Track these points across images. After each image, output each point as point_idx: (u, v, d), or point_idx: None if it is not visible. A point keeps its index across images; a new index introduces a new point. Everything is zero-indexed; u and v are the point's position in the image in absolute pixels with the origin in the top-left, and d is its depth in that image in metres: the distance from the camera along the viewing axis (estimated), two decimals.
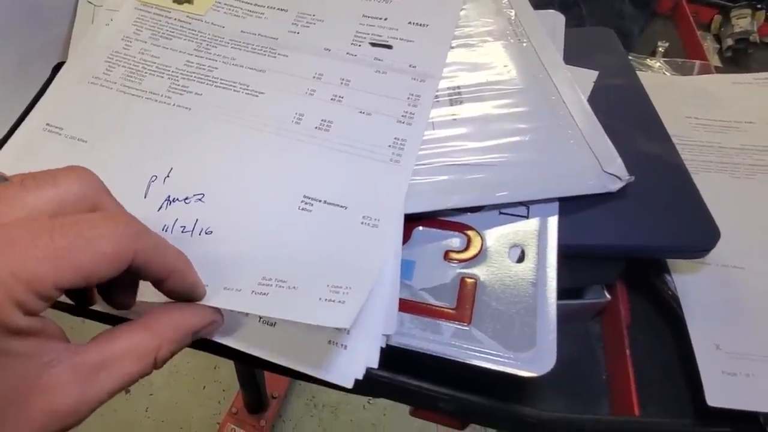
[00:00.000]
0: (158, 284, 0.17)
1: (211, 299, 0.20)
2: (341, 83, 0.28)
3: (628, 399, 0.25)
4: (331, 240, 0.23)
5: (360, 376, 0.20)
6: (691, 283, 0.27)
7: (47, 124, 0.27)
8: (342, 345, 0.20)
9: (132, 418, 0.92)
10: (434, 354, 0.22)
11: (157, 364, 0.16)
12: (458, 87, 0.29)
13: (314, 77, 0.29)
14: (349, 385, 0.20)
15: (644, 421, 0.25)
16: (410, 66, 0.29)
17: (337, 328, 0.21)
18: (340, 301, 0.19)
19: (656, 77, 0.40)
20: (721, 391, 0.24)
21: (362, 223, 0.23)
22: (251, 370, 0.78)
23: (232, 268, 0.22)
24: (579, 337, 0.29)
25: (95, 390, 0.15)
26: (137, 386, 0.96)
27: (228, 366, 0.95)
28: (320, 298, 0.19)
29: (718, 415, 0.23)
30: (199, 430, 0.91)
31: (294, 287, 0.20)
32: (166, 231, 0.23)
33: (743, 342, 0.25)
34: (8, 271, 0.13)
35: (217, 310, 0.19)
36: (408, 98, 0.28)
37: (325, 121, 0.27)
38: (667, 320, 0.28)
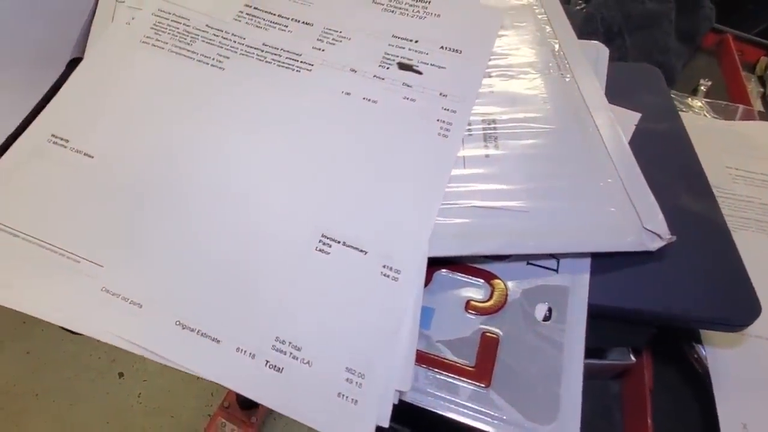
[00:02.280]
0: None
1: (223, 368, 0.19)
2: (367, 102, 0.27)
3: None
4: (349, 294, 0.21)
5: (370, 430, 0.19)
6: (723, 355, 0.25)
7: (52, 135, 0.26)
8: (352, 400, 0.19)
9: (124, 403, 0.92)
10: (449, 416, 0.21)
11: None
12: (494, 121, 0.27)
13: (342, 93, 0.27)
14: None
15: None
16: (441, 95, 0.27)
17: (347, 380, 0.19)
18: (353, 400, 0.19)
19: (697, 119, 0.38)
20: None
21: (382, 274, 0.22)
22: None
23: (248, 318, 0.20)
24: (596, 395, 0.28)
25: None
26: (131, 371, 0.96)
27: None
28: (335, 393, 0.19)
29: None
30: (190, 419, 0.91)
31: (309, 362, 0.20)
32: None
33: None
34: None
35: None
36: (438, 130, 0.26)
37: (348, 144, 0.25)
38: (693, 390, 0.26)
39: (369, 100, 0.27)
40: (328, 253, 0.22)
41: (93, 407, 0.91)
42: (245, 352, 0.19)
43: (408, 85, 0.28)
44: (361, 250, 0.22)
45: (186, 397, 0.93)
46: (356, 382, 0.19)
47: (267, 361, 0.19)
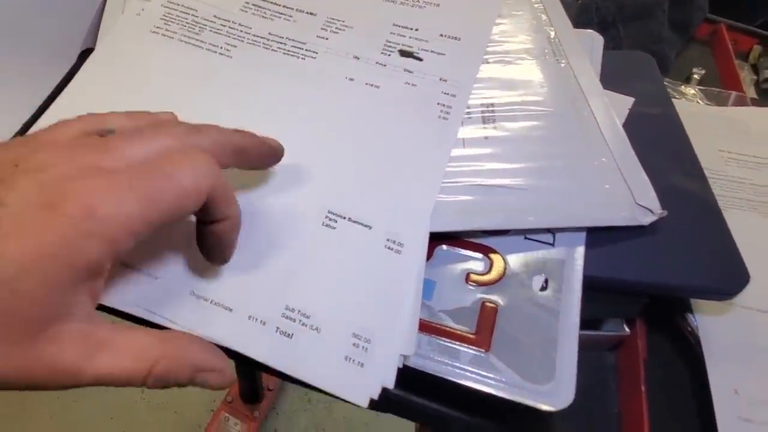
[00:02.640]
0: (208, 225, 0.19)
1: (236, 333, 0.20)
2: (370, 87, 0.28)
3: None
4: (354, 265, 0.22)
5: (375, 396, 0.20)
6: (713, 324, 0.26)
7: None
8: (359, 363, 0.20)
9: (127, 400, 0.93)
10: (450, 379, 0.21)
11: (147, 378, 0.16)
12: (492, 105, 0.28)
13: (346, 78, 0.28)
14: (364, 404, 0.20)
15: None
16: (441, 80, 0.29)
17: (354, 344, 0.20)
18: (359, 363, 0.20)
19: (690, 106, 0.39)
20: None
21: (386, 247, 0.23)
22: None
23: (260, 288, 0.21)
24: (592, 367, 0.29)
25: (85, 365, 0.15)
26: None
27: None
28: (343, 357, 0.20)
29: None
30: (193, 415, 0.92)
31: (317, 329, 0.21)
32: None
33: (763, 389, 0.24)
34: (111, 212, 0.15)
35: (228, 368, 0.19)
36: (439, 113, 0.27)
37: (353, 126, 0.27)
38: (685, 359, 0.27)
39: (372, 85, 0.28)
40: (334, 228, 0.23)
41: (97, 403, 0.92)
42: (256, 319, 0.20)
43: (409, 71, 0.29)
44: (366, 225, 0.23)
45: (189, 393, 0.94)
46: (362, 347, 0.20)
47: (277, 328, 0.20)
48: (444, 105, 0.27)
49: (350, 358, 0.20)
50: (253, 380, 0.83)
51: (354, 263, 0.22)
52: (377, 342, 0.20)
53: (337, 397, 0.20)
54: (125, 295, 0.21)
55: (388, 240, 0.23)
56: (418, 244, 0.23)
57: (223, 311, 0.21)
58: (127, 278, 0.21)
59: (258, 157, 0.22)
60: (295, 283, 0.22)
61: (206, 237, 0.20)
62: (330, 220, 0.23)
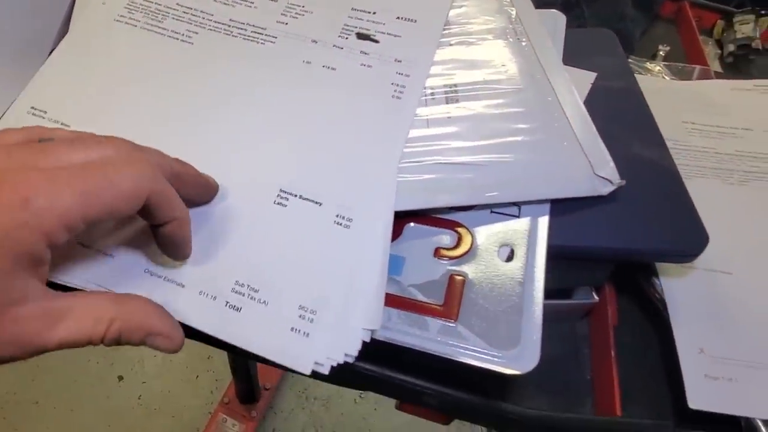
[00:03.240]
0: (158, 227, 0.20)
1: (188, 309, 0.21)
2: (327, 69, 0.29)
3: (610, 399, 0.25)
4: (303, 241, 0.23)
5: (321, 363, 0.20)
6: (678, 286, 0.27)
7: (32, 107, 0.27)
8: (304, 333, 0.21)
9: (124, 406, 0.93)
10: (419, 349, 0.22)
11: (104, 338, 0.18)
12: (455, 85, 0.29)
13: (303, 62, 0.29)
14: (307, 371, 0.20)
15: (625, 421, 0.25)
16: (396, 60, 0.29)
17: (300, 316, 0.21)
18: (305, 333, 0.21)
19: (655, 81, 0.40)
20: (702, 394, 0.24)
21: (336, 222, 0.23)
22: (244, 362, 0.78)
23: (209, 263, 0.22)
24: (565, 338, 0.29)
25: (49, 335, 0.17)
26: (130, 374, 0.97)
27: (221, 356, 0.95)
28: (289, 328, 0.21)
29: (699, 418, 0.24)
30: (191, 418, 0.92)
31: (265, 302, 0.21)
32: None
33: (727, 347, 0.25)
34: (46, 205, 0.15)
35: (180, 330, 0.20)
36: (392, 93, 0.28)
37: (308, 108, 0.27)
38: (653, 323, 0.28)
39: (328, 67, 0.29)
40: (286, 206, 0.24)
41: (94, 411, 0.91)
42: (207, 294, 0.21)
43: (365, 53, 0.29)
44: (316, 202, 0.24)
45: (186, 397, 0.94)
46: (308, 318, 0.21)
47: (227, 302, 0.21)
48: (398, 85, 0.28)
49: (296, 329, 0.21)
50: (249, 380, 0.83)
51: (303, 239, 0.23)
52: (322, 314, 0.21)
53: (284, 367, 0.20)
54: (80, 273, 0.22)
55: (337, 216, 0.23)
56: (372, 220, 0.24)
57: (176, 287, 0.21)
58: (82, 257, 0.22)
59: (192, 187, 0.22)
60: (245, 259, 0.22)
61: (159, 238, 0.21)
62: (282, 198, 0.24)
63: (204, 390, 0.95)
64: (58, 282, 0.22)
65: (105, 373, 0.96)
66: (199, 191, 0.23)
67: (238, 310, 0.21)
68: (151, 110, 0.27)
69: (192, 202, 0.23)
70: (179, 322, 0.20)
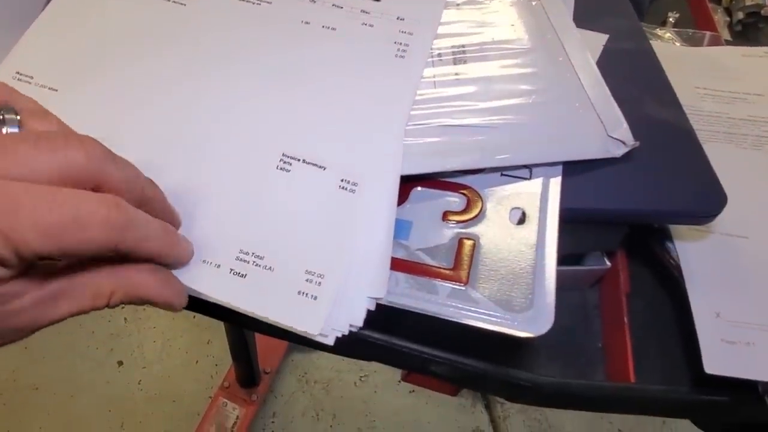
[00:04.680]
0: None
1: (190, 277, 0.20)
2: (326, 30, 0.27)
3: (623, 366, 0.25)
4: (307, 207, 0.22)
5: (326, 333, 0.19)
6: (693, 251, 0.26)
7: (17, 73, 0.26)
8: (312, 296, 0.20)
9: (124, 391, 0.92)
10: (429, 314, 0.21)
11: (104, 306, 0.17)
12: (463, 45, 0.27)
13: (302, 22, 0.28)
14: (316, 331, 0.19)
15: (639, 387, 0.24)
16: (398, 18, 0.28)
17: (307, 280, 0.20)
18: (312, 296, 0.20)
19: (666, 47, 0.38)
20: (719, 358, 0.23)
21: (340, 187, 0.22)
22: (244, 344, 0.77)
23: (211, 234, 0.21)
24: (576, 306, 0.29)
25: (49, 314, 0.16)
26: (130, 359, 0.96)
27: (221, 341, 0.95)
28: (296, 291, 0.20)
29: (716, 383, 0.23)
30: (191, 403, 0.91)
31: (270, 268, 0.20)
32: None
33: (744, 311, 0.24)
34: (4, 228, 0.14)
35: (181, 292, 0.19)
36: (395, 52, 0.27)
37: (309, 69, 0.26)
38: (667, 289, 0.27)
39: (328, 27, 0.28)
40: (289, 171, 0.23)
41: (94, 397, 0.91)
42: (210, 263, 0.20)
43: (366, 12, 0.28)
44: (320, 166, 0.23)
45: (186, 381, 0.93)
46: (315, 281, 0.20)
47: (231, 269, 0.20)
48: (401, 44, 0.27)
49: (303, 293, 0.20)
50: (249, 364, 0.83)
51: (308, 204, 0.22)
52: (330, 277, 0.20)
53: (291, 335, 0.20)
54: None
55: (342, 180, 0.23)
56: (378, 185, 0.23)
57: None
58: None
59: (160, 213, 0.19)
60: (248, 226, 0.21)
61: None
62: (284, 163, 0.23)
63: (204, 374, 0.94)
64: None
65: (104, 358, 0.96)
66: (163, 218, 0.20)
67: (243, 276, 0.20)
68: (144, 74, 0.26)
69: None
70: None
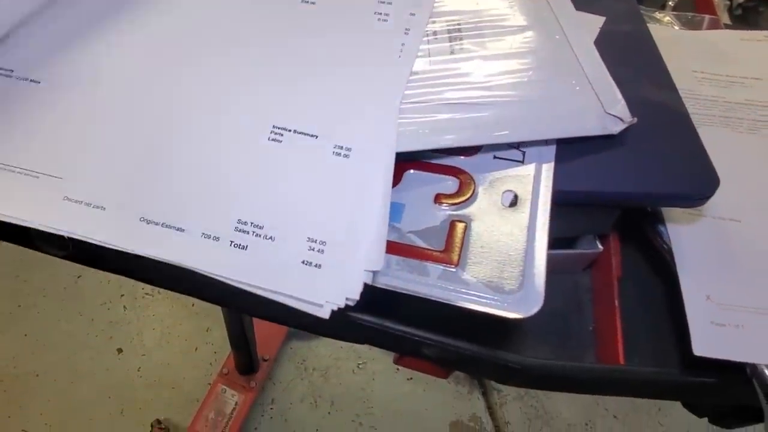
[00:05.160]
0: None
1: (191, 252, 0.20)
2: (306, 4, 0.27)
3: (613, 349, 0.25)
4: (303, 175, 0.22)
5: (335, 298, 0.19)
6: (685, 234, 0.26)
7: None
8: (316, 265, 0.20)
9: (124, 378, 0.93)
10: (420, 295, 0.21)
11: None
12: (459, 22, 0.27)
13: None
14: (322, 301, 0.19)
15: (628, 369, 0.24)
16: None
17: (310, 248, 0.20)
18: (316, 265, 0.20)
19: (664, 30, 0.38)
20: (708, 340, 0.23)
21: (334, 153, 0.22)
22: (243, 332, 0.78)
23: (208, 206, 0.21)
24: (567, 290, 0.29)
25: None
26: (129, 346, 0.97)
27: (220, 328, 0.95)
28: (300, 261, 0.20)
29: (705, 365, 0.23)
30: (190, 390, 0.92)
31: (271, 237, 0.20)
32: None
33: (735, 294, 0.24)
34: None
35: None
36: (376, 22, 0.27)
37: (291, 42, 0.26)
38: (658, 273, 0.27)
39: (308, 2, 0.27)
40: (280, 141, 0.23)
41: (94, 384, 0.92)
42: (210, 236, 0.20)
43: None
44: (312, 135, 0.23)
45: (185, 368, 0.94)
46: (318, 249, 0.20)
47: (232, 242, 0.20)
48: (381, 14, 0.27)
49: (307, 261, 0.20)
50: (248, 351, 0.84)
51: (303, 172, 0.22)
52: (333, 244, 0.20)
53: (294, 313, 0.20)
54: (73, 228, 0.21)
55: (335, 146, 0.23)
56: (373, 149, 0.23)
57: (176, 233, 0.20)
58: (73, 210, 0.21)
59: None
60: (245, 197, 0.21)
61: None
62: (275, 134, 0.23)
63: (203, 362, 0.95)
64: (45, 230, 0.21)
65: (104, 346, 0.96)
66: None
67: (245, 248, 0.20)
68: (132, 55, 0.26)
69: None
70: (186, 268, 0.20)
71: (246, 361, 0.85)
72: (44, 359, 0.94)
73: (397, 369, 0.93)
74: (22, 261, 1.05)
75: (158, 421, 0.85)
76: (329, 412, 0.91)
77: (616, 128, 0.24)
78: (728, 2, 0.44)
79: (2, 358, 0.94)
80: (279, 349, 0.95)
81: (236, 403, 0.85)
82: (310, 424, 0.90)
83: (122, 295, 1.01)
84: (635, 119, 0.24)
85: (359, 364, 0.96)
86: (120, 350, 0.96)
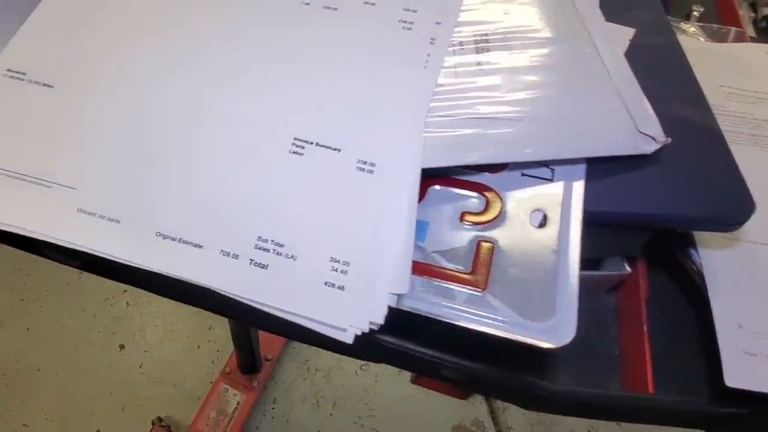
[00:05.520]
0: None
1: (209, 270, 0.19)
2: (328, 10, 0.26)
3: (642, 375, 0.24)
4: (325, 189, 0.21)
5: (359, 323, 0.19)
6: (717, 258, 0.25)
7: (8, 70, 0.25)
8: (339, 287, 0.19)
9: (126, 374, 0.93)
10: (446, 320, 0.20)
11: None
12: (486, 34, 0.26)
13: (302, 3, 0.27)
14: (345, 325, 0.19)
15: (656, 398, 0.24)
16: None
17: (333, 268, 0.19)
18: (339, 287, 0.19)
19: (691, 42, 0.37)
20: (741, 371, 0.23)
21: (358, 168, 0.22)
22: (246, 331, 0.77)
23: (227, 222, 0.20)
24: (592, 310, 0.28)
25: None
26: (132, 343, 0.96)
27: (223, 326, 0.95)
28: (322, 282, 0.19)
29: (736, 396, 0.22)
30: (192, 387, 0.92)
31: (293, 257, 0.20)
32: None
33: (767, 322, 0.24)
34: None
35: None
36: (400, 29, 0.26)
37: (313, 51, 0.25)
38: (687, 296, 0.27)
39: (329, 8, 0.27)
40: (302, 154, 0.22)
41: (95, 379, 0.91)
42: (229, 254, 0.19)
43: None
44: (335, 149, 0.22)
45: (187, 366, 0.94)
46: (341, 270, 0.19)
47: (251, 260, 0.20)
48: (406, 22, 0.26)
49: (330, 283, 0.19)
50: (250, 351, 0.83)
51: (325, 187, 0.21)
52: (356, 265, 0.20)
53: (317, 336, 0.19)
54: (87, 242, 0.20)
55: (359, 161, 0.22)
56: (397, 165, 0.22)
57: (193, 249, 0.20)
58: (87, 223, 0.20)
59: None
60: (265, 212, 0.21)
61: None
62: (297, 147, 0.22)
63: (205, 360, 0.95)
64: (62, 245, 0.20)
65: (106, 342, 0.96)
66: None
67: (265, 267, 0.19)
68: (147, 63, 0.25)
69: None
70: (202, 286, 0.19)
71: (249, 360, 0.85)
72: (46, 354, 0.94)
73: (400, 371, 0.93)
74: (25, 255, 1.04)
75: (159, 419, 0.85)
76: (331, 413, 0.91)
77: (648, 148, 0.23)
78: (753, 14, 0.43)
79: (4, 352, 0.93)
80: (282, 349, 0.94)
81: (238, 403, 0.84)
82: (312, 425, 0.89)
83: (125, 291, 1.00)
84: (669, 139, 0.23)
85: (362, 365, 0.95)
86: (122, 346, 0.96)
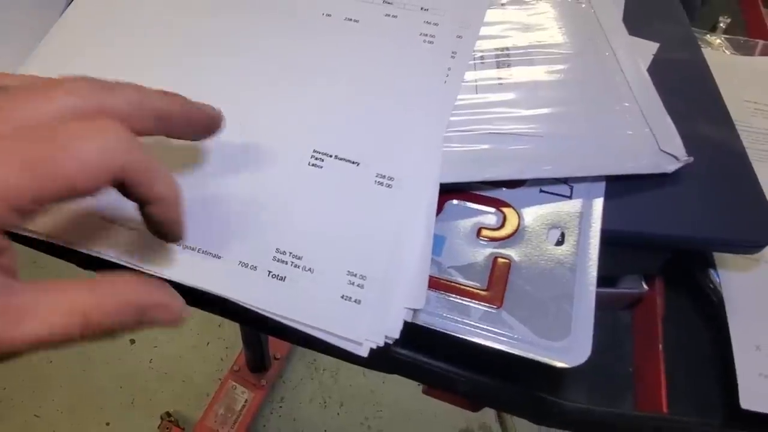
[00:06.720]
0: (141, 207, 0.16)
1: (227, 281, 0.19)
2: (349, 22, 0.27)
3: (656, 395, 0.24)
4: (343, 202, 0.21)
5: (374, 337, 0.19)
6: (736, 279, 0.25)
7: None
8: (356, 300, 0.20)
9: (135, 369, 0.94)
10: (460, 337, 0.20)
11: (85, 331, 0.14)
12: (507, 48, 0.26)
13: (323, 15, 0.27)
14: (360, 339, 0.19)
15: (671, 418, 0.23)
16: (422, 9, 0.27)
17: (350, 282, 0.19)
18: (356, 300, 0.19)
19: (716, 55, 0.36)
20: (756, 394, 0.22)
21: (376, 182, 0.22)
22: (255, 331, 0.78)
23: (246, 233, 0.20)
24: (606, 327, 0.28)
25: (12, 336, 0.13)
26: (142, 337, 0.98)
27: (232, 324, 0.96)
28: (339, 295, 0.19)
29: (751, 419, 0.22)
30: (201, 384, 0.93)
31: (310, 269, 0.20)
32: None
33: None
34: None
35: (175, 295, 0.16)
36: (422, 43, 0.26)
37: (333, 64, 0.25)
38: (704, 316, 0.26)
39: (350, 19, 0.27)
40: (321, 167, 0.22)
41: (106, 372, 0.93)
42: (247, 265, 0.20)
43: (388, 2, 0.27)
44: (354, 162, 0.22)
45: (196, 362, 0.95)
46: (358, 284, 0.19)
47: (269, 272, 0.20)
48: (427, 35, 0.26)
49: (347, 297, 0.19)
50: (259, 349, 0.84)
51: (343, 201, 0.21)
52: (373, 279, 0.20)
53: (332, 348, 0.19)
54: (109, 248, 0.20)
55: (377, 175, 0.22)
56: (416, 180, 0.22)
57: (212, 259, 0.20)
58: (107, 230, 0.20)
59: (187, 125, 0.18)
60: (284, 225, 0.21)
61: (145, 218, 0.17)
62: (316, 159, 0.22)
63: (214, 357, 0.96)
64: (81, 250, 0.20)
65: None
66: (196, 128, 0.19)
67: (282, 279, 0.20)
68: (167, 76, 0.25)
69: (188, 139, 0.19)
70: (221, 297, 0.19)
71: (257, 359, 0.86)
72: None
73: None
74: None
75: (168, 414, 0.86)
76: (338, 413, 0.91)
77: (670, 167, 0.23)
78: None
79: None
80: (290, 348, 0.95)
81: (246, 400, 0.85)
82: (319, 424, 0.90)
83: None
84: (691, 158, 0.23)
85: None
86: (132, 341, 0.97)
